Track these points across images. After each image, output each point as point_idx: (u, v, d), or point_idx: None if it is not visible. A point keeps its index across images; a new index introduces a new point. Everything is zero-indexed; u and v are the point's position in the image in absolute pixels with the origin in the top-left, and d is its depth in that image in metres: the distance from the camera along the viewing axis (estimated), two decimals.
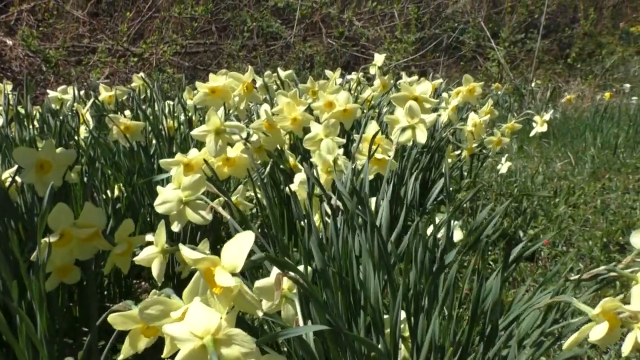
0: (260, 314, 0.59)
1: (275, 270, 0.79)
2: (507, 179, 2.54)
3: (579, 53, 7.97)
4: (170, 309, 0.62)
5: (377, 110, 1.82)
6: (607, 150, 3.30)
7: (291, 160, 1.53)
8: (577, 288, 0.98)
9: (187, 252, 0.58)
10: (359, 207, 0.79)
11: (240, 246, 0.57)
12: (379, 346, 0.77)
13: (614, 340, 0.63)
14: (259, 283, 0.79)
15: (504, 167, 2.29)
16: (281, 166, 1.59)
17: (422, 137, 1.12)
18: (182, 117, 1.60)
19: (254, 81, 1.37)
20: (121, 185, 1.36)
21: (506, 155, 2.43)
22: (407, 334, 0.89)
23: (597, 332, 0.59)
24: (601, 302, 0.61)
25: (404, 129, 1.13)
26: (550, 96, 5.31)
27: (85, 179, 1.22)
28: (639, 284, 0.75)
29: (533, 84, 5.36)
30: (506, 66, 6.31)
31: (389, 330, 0.82)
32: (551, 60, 7.80)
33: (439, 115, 1.71)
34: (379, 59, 2.02)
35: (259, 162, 1.63)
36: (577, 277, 0.82)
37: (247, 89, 1.34)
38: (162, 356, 0.62)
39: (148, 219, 1.35)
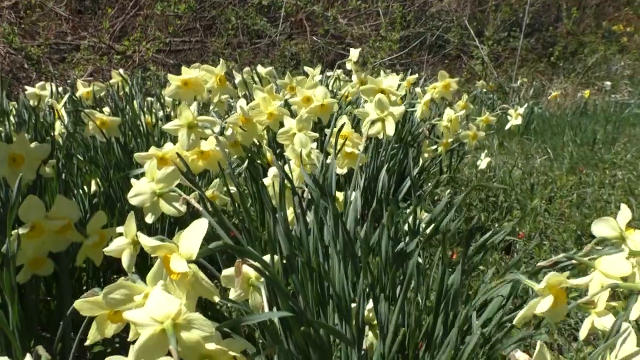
0: (216, 299, 0.60)
1: None
2: (486, 174, 2.58)
3: (562, 52, 8.06)
4: (134, 293, 0.64)
5: (355, 106, 1.85)
6: (586, 147, 3.35)
7: (268, 155, 1.55)
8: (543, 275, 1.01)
9: (144, 240, 0.60)
10: (323, 198, 0.81)
11: (194, 234, 0.59)
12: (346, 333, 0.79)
13: (562, 315, 0.65)
14: (225, 272, 0.81)
15: (483, 162, 2.33)
16: (258, 161, 1.61)
17: (390, 129, 1.14)
18: (161, 113, 1.61)
19: (231, 76, 1.38)
20: (98, 180, 1.37)
21: (486, 151, 2.47)
22: (375, 322, 0.92)
23: (543, 305, 0.62)
24: (546, 277, 0.63)
25: (373, 122, 1.15)
26: (534, 94, 5.37)
27: (63, 175, 1.23)
28: (596, 270, 0.78)
29: (519, 82, 5.41)
30: (490, 64, 6.37)
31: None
32: (535, 59, 7.89)
33: (414, 111, 1.73)
34: (354, 54, 2.04)
35: (234, 157, 1.65)
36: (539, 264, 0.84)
37: (220, 82, 1.36)
38: (128, 340, 0.64)
39: (125, 214, 1.36)
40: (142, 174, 1.28)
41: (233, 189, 1.16)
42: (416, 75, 1.96)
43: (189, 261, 0.58)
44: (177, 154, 1.03)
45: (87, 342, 0.71)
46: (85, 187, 1.30)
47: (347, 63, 2.02)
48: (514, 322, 0.65)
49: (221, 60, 1.35)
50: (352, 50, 2.05)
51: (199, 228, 0.58)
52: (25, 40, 4.38)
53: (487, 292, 0.78)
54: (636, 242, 0.72)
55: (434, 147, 1.73)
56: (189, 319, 0.57)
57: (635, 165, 2.86)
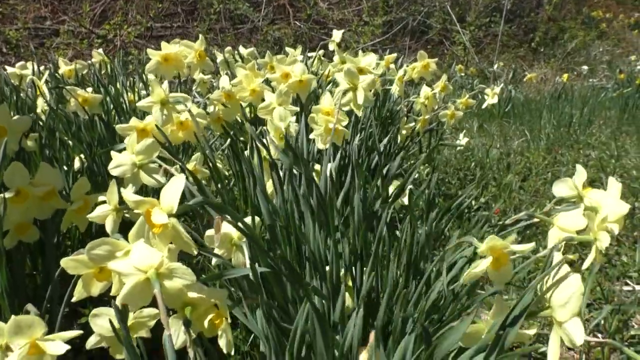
0: (194, 252, 0.64)
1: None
2: (464, 154, 2.64)
3: (542, 37, 8.16)
4: (117, 249, 0.67)
5: (336, 86, 1.87)
6: (563, 129, 3.43)
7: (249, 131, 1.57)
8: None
9: (128, 195, 0.63)
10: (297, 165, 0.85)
11: (173, 189, 0.62)
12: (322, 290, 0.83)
13: (507, 278, 0.69)
14: (208, 232, 0.85)
15: (462, 141, 2.38)
16: (242, 138, 1.64)
17: (360, 98, 1.18)
18: (143, 92, 1.62)
19: (212, 54, 1.41)
20: (82, 156, 1.39)
21: (464, 131, 2.52)
22: (350, 282, 0.96)
23: (482, 265, 0.66)
24: (487, 239, 0.67)
25: (345, 92, 1.19)
26: (512, 78, 5.45)
27: (46, 151, 1.25)
28: (554, 227, 0.83)
29: (496, 66, 5.48)
30: (472, 50, 6.43)
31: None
32: (516, 45, 7.97)
33: (390, 89, 1.77)
34: (337, 35, 2.07)
35: (217, 134, 1.68)
36: (501, 222, 0.89)
37: (200, 57, 1.38)
38: (111, 294, 0.67)
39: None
40: (125, 149, 1.31)
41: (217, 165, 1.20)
42: (395, 55, 1.99)
43: (170, 215, 0.62)
44: (157, 126, 1.06)
45: (74, 299, 0.74)
46: (68, 163, 1.32)
47: (330, 44, 2.04)
48: (461, 279, 0.70)
49: (200, 36, 1.37)
50: (335, 31, 2.08)
51: (176, 184, 0.62)
52: (3, 24, 4.32)
53: (452, 251, 0.83)
54: (592, 198, 0.77)
55: (412, 124, 1.77)
56: (171, 268, 0.61)
57: (609, 145, 2.94)
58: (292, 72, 1.52)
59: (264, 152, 1.01)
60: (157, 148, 0.99)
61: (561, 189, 0.85)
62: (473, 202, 1.92)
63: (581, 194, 0.80)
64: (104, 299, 0.81)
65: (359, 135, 1.56)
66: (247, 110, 1.65)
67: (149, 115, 1.18)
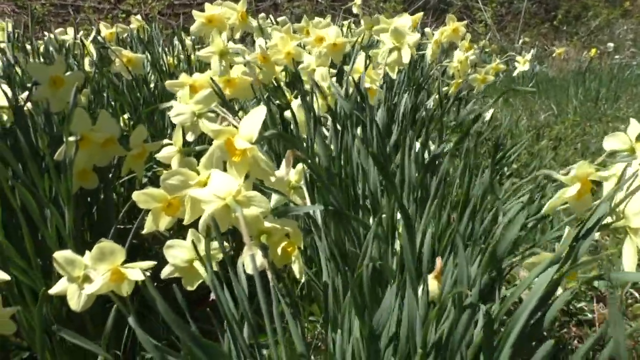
0: (273, 179, 0.66)
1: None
2: (491, 123, 2.63)
3: (565, 15, 8.02)
4: (189, 179, 0.70)
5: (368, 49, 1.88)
6: (589, 103, 3.40)
7: (288, 95, 1.59)
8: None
9: (208, 124, 0.66)
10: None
11: (254, 119, 0.64)
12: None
13: (587, 205, 0.71)
14: (278, 172, 0.87)
15: (487, 114, 2.38)
16: (277, 101, 1.65)
17: (406, 57, 1.19)
18: (182, 56, 1.65)
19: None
20: (125, 117, 1.42)
21: (490, 102, 2.51)
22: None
23: (570, 191, 0.68)
24: (576, 166, 0.69)
25: (390, 51, 1.20)
26: (536, 55, 5.37)
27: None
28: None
29: (521, 42, 5.41)
30: (493, 27, 6.35)
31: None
32: (537, 23, 7.85)
33: (424, 53, 1.78)
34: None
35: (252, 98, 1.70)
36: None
37: (242, 18, 1.40)
38: (184, 223, 0.70)
39: None
40: (169, 108, 1.34)
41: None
42: (421, 13, 1.98)
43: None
44: (211, 79, 1.08)
45: (144, 231, 0.78)
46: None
47: (354, 7, 2.06)
48: (543, 210, 0.72)
49: None
50: None
51: (258, 113, 0.64)
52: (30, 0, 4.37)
53: (515, 189, 0.84)
54: None
55: (445, 88, 1.78)
56: (249, 196, 0.64)
57: (638, 119, 2.91)
58: (327, 35, 1.53)
59: (321, 101, 1.03)
60: (215, 98, 1.02)
61: (613, 143, 0.86)
62: (505, 169, 1.93)
63: (635, 147, 0.81)
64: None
65: (396, 98, 1.57)
66: (283, 74, 1.67)
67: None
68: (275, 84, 1.66)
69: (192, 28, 1.33)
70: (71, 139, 0.87)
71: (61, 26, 4.73)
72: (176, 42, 1.81)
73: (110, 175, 1.04)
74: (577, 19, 8.25)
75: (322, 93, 1.27)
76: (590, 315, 1.16)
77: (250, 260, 0.59)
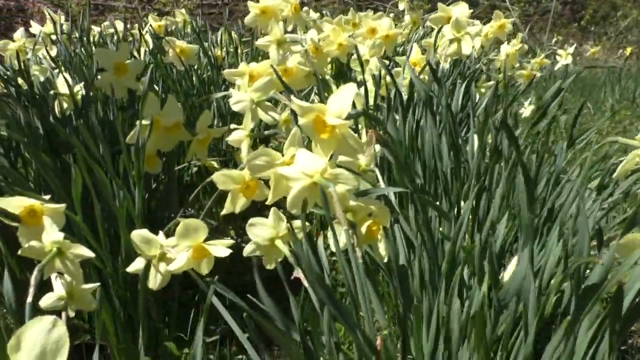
0: (362, 158, 0.66)
1: None
2: (532, 119, 2.60)
3: (592, 15, 7.90)
4: (274, 159, 0.71)
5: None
6: (626, 102, 3.34)
7: (333, 87, 1.60)
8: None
9: (297, 102, 0.66)
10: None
11: (344, 96, 0.64)
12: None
13: None
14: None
15: (527, 110, 2.36)
16: (325, 94, 1.66)
17: (467, 48, 1.18)
18: (231, 48, 1.66)
19: (301, 5, 1.43)
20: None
21: (530, 99, 2.49)
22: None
23: None
24: None
25: (450, 42, 1.19)
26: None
27: None
28: None
29: (554, 40, 5.35)
30: (521, 26, 6.28)
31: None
32: (564, 23, 7.75)
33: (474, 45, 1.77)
34: None
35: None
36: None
37: (295, 11, 1.41)
38: (267, 203, 0.70)
39: None
40: (222, 98, 1.35)
41: None
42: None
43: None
44: (272, 67, 1.09)
45: (222, 213, 0.78)
46: None
47: (400, 3, 2.05)
48: (614, 175, 0.71)
49: None
50: None
51: (347, 90, 0.64)
52: None
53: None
54: None
55: (490, 82, 1.76)
56: (335, 174, 0.64)
57: None
58: (379, 27, 1.53)
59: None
60: (273, 86, 1.03)
61: None
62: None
63: None
64: None
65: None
66: (330, 66, 1.68)
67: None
68: (320, 77, 1.67)
69: (247, 19, 1.34)
70: (145, 122, 0.88)
71: (93, 24, 4.81)
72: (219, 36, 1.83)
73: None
74: (604, 19, 8.12)
75: (378, 81, 1.27)
76: None
77: (346, 235, 0.59)
